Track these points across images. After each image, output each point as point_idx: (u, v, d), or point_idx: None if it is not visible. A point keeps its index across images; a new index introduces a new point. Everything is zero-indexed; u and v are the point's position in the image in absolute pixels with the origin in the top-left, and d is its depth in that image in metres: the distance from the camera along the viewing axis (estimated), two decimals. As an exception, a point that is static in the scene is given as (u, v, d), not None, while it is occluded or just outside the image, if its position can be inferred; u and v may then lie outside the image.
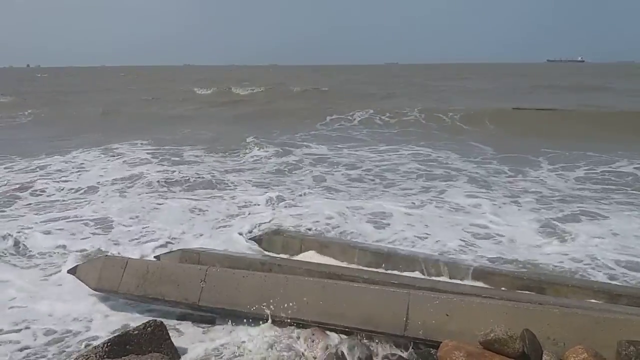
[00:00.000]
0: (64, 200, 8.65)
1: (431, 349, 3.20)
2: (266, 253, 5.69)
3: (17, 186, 9.61)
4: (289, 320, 3.80)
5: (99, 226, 7.05)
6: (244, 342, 3.94)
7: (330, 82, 37.93)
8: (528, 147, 13.17)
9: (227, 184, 9.66)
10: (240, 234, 6.40)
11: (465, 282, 4.37)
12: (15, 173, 11.04)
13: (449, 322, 3.32)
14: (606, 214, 7.23)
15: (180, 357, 3.63)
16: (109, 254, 5.54)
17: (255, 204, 7.96)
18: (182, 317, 4.34)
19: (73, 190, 9.33)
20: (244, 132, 16.35)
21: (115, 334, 3.63)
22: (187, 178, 10.01)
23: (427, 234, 6.43)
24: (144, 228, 6.86)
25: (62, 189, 9.37)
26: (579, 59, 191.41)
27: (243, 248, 5.96)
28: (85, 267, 4.67)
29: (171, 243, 6.23)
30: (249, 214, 7.45)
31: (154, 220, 7.17)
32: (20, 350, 3.95)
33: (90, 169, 11.29)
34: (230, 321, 4.17)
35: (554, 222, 6.88)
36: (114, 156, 12.78)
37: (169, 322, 4.05)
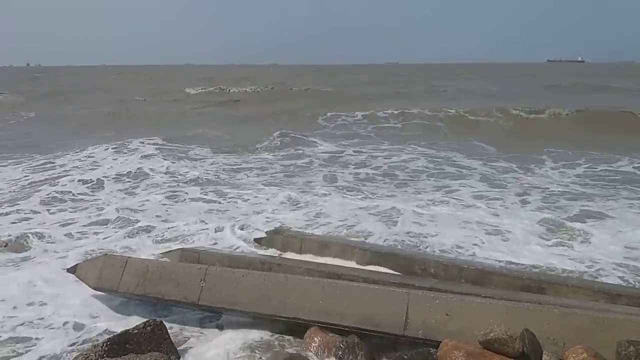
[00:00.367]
0: (83, 198, 8.70)
1: (431, 349, 3.20)
2: (266, 252, 5.69)
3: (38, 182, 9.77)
4: (288, 320, 3.80)
5: (119, 224, 7.13)
6: (244, 342, 3.95)
7: (332, 82, 37.86)
8: (531, 147, 13.28)
9: (239, 183, 9.74)
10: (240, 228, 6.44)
11: (465, 281, 4.37)
12: (33, 170, 11.19)
13: (448, 322, 3.32)
14: (613, 214, 7.29)
15: (179, 357, 3.63)
16: (108, 252, 5.54)
17: (270, 203, 8.07)
18: (182, 316, 4.34)
19: (90, 187, 9.41)
20: (252, 132, 16.49)
21: (115, 333, 3.63)
22: (201, 177, 10.09)
23: (437, 232, 6.47)
24: (169, 228, 6.91)
25: (82, 186, 9.45)
26: (579, 59, 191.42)
27: (243, 247, 5.98)
28: (85, 266, 4.66)
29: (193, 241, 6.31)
30: (264, 212, 7.54)
31: (176, 220, 7.24)
32: (19, 349, 3.95)
33: (103, 166, 11.34)
34: (230, 320, 4.18)
35: (562, 220, 6.93)
36: (127, 154, 12.88)
37: (168, 322, 4.05)
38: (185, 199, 8.52)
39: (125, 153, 12.96)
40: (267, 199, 8.31)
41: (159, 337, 3.54)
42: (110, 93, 35.64)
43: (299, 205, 7.89)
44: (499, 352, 2.93)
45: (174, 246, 5.83)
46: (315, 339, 3.51)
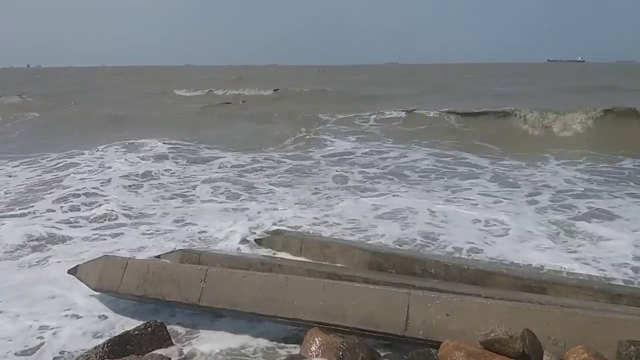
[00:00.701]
0: (95, 200, 8.72)
1: (431, 349, 3.20)
2: (266, 253, 5.69)
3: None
4: (289, 321, 3.80)
5: (139, 225, 7.16)
6: (244, 343, 3.96)
7: (335, 83, 37.74)
8: (534, 146, 13.30)
9: (251, 183, 9.78)
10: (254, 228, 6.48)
11: (466, 282, 4.36)
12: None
13: (449, 322, 3.32)
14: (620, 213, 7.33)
15: (180, 358, 3.63)
16: (109, 254, 5.55)
17: (285, 202, 8.14)
18: (182, 317, 4.34)
19: (101, 187, 9.45)
20: (261, 132, 16.52)
21: (115, 334, 3.64)
22: (214, 178, 10.16)
23: (447, 232, 6.52)
24: (188, 229, 6.94)
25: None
26: (579, 58, 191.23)
27: (244, 248, 5.99)
28: (85, 267, 4.67)
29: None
30: (277, 212, 7.59)
31: (200, 220, 7.28)
32: (20, 349, 3.95)
33: (114, 167, 11.34)
34: (230, 321, 4.18)
35: (570, 220, 6.99)
36: (137, 154, 12.96)
37: (169, 322, 4.06)
38: (198, 200, 8.58)
39: (136, 153, 13.06)
40: (283, 199, 8.38)
41: (159, 338, 3.54)
42: (113, 94, 35.62)
43: (312, 205, 7.95)
44: (499, 353, 2.93)
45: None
46: (316, 339, 3.51)
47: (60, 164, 12.00)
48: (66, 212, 7.87)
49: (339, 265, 4.95)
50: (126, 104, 27.62)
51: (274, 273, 4.25)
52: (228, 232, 6.56)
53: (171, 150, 13.52)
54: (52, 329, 4.21)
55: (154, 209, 8.01)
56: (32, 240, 6.51)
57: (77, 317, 4.40)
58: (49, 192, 9.16)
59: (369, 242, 6.14)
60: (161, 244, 6.23)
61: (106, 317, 4.40)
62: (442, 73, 58.64)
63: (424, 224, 6.89)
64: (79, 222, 7.39)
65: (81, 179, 10.09)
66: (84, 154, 13.14)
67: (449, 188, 9.22)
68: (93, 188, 9.29)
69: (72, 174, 10.63)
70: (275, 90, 29.69)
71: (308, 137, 15.83)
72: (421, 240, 6.28)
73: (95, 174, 10.58)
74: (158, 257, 5.31)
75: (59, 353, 3.87)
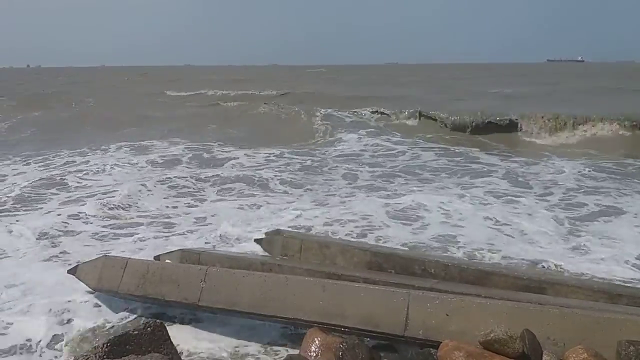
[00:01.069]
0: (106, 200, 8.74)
1: (431, 349, 3.20)
2: (266, 253, 5.69)
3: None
4: (289, 321, 3.80)
5: (160, 226, 7.20)
6: (244, 343, 3.95)
7: (338, 84, 37.58)
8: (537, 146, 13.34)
9: (262, 182, 9.86)
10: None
11: (465, 282, 4.36)
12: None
13: (449, 322, 3.32)
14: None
15: (180, 358, 3.63)
16: (108, 254, 5.55)
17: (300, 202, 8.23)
18: (182, 317, 4.34)
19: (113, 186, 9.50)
20: (269, 132, 16.54)
21: (115, 334, 3.63)
22: (227, 177, 10.24)
23: (461, 233, 6.57)
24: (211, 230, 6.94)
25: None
26: (579, 58, 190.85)
27: (243, 249, 5.99)
28: (85, 267, 4.67)
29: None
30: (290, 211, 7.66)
31: (224, 221, 7.29)
32: (20, 348, 3.95)
33: (125, 168, 11.41)
34: (230, 321, 4.18)
35: (579, 220, 7.07)
36: (148, 154, 13.04)
37: (169, 323, 4.06)
38: (213, 200, 8.63)
39: (146, 154, 13.12)
40: (295, 199, 8.46)
41: (159, 338, 3.53)
42: (115, 93, 35.57)
43: (326, 204, 8.04)
44: (499, 353, 2.93)
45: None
46: (316, 339, 3.50)
47: (71, 162, 12.08)
48: (77, 212, 7.87)
49: (339, 265, 4.94)
50: (132, 104, 27.58)
51: (274, 273, 4.25)
52: (241, 232, 6.65)
53: (185, 150, 13.63)
54: (51, 330, 4.21)
55: (169, 208, 8.10)
56: (45, 238, 6.57)
57: (76, 317, 4.40)
58: (60, 191, 9.25)
59: (369, 242, 6.16)
60: (179, 244, 6.26)
61: (105, 317, 4.40)
62: (443, 73, 58.40)
63: (438, 223, 6.99)
64: (90, 221, 7.41)
65: (86, 178, 10.13)
66: (95, 153, 13.26)
67: (460, 185, 9.35)
68: (104, 188, 9.35)
69: (76, 173, 10.70)
70: (283, 94, 29.33)
71: (322, 139, 15.91)
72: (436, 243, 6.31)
73: (105, 174, 10.65)
74: (158, 257, 5.31)
75: (58, 353, 3.87)
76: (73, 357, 3.60)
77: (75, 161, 12.39)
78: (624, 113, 14.88)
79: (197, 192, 9.21)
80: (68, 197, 8.80)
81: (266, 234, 6.09)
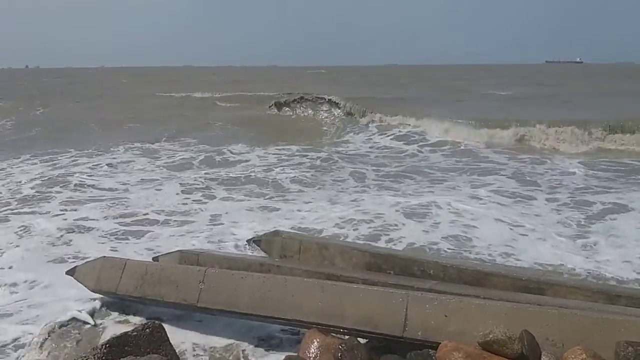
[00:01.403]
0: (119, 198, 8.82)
1: (430, 350, 3.19)
2: (265, 254, 5.68)
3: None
4: (288, 322, 3.80)
5: (173, 225, 7.24)
6: (243, 344, 3.95)
7: (339, 85, 37.45)
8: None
9: (275, 182, 9.99)
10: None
11: (464, 283, 4.36)
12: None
13: (447, 323, 3.32)
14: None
15: (179, 359, 3.62)
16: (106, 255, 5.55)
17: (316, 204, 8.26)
18: (181, 319, 4.34)
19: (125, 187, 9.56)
20: (277, 132, 16.64)
21: (113, 336, 3.62)
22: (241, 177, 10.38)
23: (475, 235, 6.61)
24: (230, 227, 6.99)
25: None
26: (578, 59, 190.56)
27: (242, 250, 5.99)
28: (83, 269, 4.66)
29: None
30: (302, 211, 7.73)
31: (229, 218, 7.37)
32: (16, 350, 3.95)
33: (135, 170, 11.44)
34: (229, 322, 4.18)
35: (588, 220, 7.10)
36: (158, 157, 13.12)
37: (167, 324, 4.05)
38: (230, 200, 8.66)
39: (155, 155, 13.17)
40: (311, 200, 8.49)
41: (158, 339, 3.53)
42: (117, 94, 35.53)
43: (342, 204, 8.11)
44: (498, 354, 2.93)
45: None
46: (314, 340, 3.50)
47: (76, 163, 12.10)
48: (88, 211, 7.94)
49: (338, 266, 4.94)
50: (135, 105, 27.51)
51: (273, 274, 4.24)
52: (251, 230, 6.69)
53: (195, 152, 13.66)
54: (49, 329, 4.20)
55: (182, 207, 8.15)
56: (62, 236, 6.64)
57: (75, 318, 4.40)
58: (70, 189, 9.30)
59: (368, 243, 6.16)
60: (194, 243, 6.32)
61: (104, 319, 4.40)
62: (444, 74, 58.42)
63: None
64: (100, 221, 7.45)
65: (92, 177, 10.17)
66: (101, 154, 13.27)
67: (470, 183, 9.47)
68: (114, 188, 9.37)
69: (83, 173, 10.73)
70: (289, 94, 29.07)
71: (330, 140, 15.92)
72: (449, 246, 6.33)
73: (113, 174, 10.67)
74: (156, 258, 5.31)
75: (57, 355, 3.87)
76: (72, 359, 3.59)
77: (82, 162, 12.42)
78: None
79: (207, 189, 9.32)
80: (70, 198, 8.82)
81: (265, 234, 6.09)
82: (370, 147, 15.04)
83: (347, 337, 3.52)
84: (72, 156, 13.19)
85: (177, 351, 3.66)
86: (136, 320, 4.29)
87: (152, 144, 15.37)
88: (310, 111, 20.27)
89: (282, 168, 11.43)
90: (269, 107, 21.67)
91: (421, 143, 15.06)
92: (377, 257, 4.92)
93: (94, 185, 9.74)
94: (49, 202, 8.50)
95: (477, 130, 15.38)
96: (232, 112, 22.14)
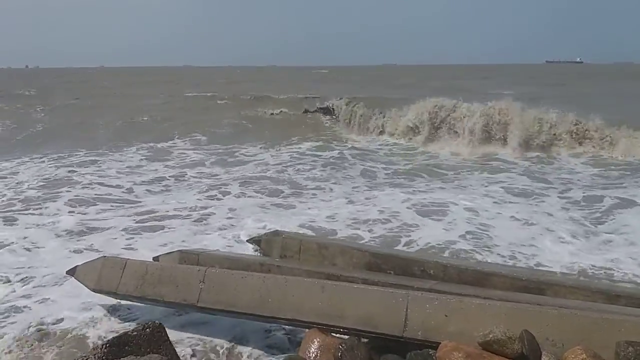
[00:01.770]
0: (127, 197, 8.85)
1: (430, 350, 3.20)
2: (265, 254, 5.68)
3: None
4: (288, 322, 3.80)
5: (188, 222, 7.29)
6: (243, 344, 3.95)
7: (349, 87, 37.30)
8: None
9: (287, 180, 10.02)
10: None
11: (464, 283, 4.36)
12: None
13: (448, 323, 3.32)
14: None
15: (179, 359, 3.62)
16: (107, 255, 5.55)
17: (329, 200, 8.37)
18: (181, 318, 4.34)
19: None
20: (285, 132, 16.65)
21: (114, 335, 3.63)
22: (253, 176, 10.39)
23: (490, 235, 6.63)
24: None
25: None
26: (578, 59, 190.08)
27: (242, 250, 5.99)
28: (84, 268, 4.66)
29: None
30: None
31: (240, 217, 7.40)
32: (17, 349, 3.94)
33: (145, 172, 11.42)
34: (229, 322, 4.18)
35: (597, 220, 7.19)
36: (169, 157, 13.11)
37: (167, 323, 4.05)
38: (242, 197, 8.71)
39: (163, 155, 13.21)
40: (329, 199, 8.56)
41: (158, 339, 3.53)
42: (118, 94, 35.45)
43: (357, 202, 8.19)
44: (498, 353, 2.93)
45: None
46: (315, 340, 3.51)
47: (88, 162, 12.13)
48: (97, 210, 7.97)
49: (338, 266, 4.94)
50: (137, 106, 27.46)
51: (273, 274, 4.24)
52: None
53: (204, 151, 13.70)
54: (49, 329, 4.20)
55: (197, 204, 8.19)
56: (73, 233, 6.69)
57: (75, 318, 4.40)
58: (79, 188, 9.34)
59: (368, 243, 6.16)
60: (206, 243, 6.34)
61: (104, 318, 4.40)
62: (444, 74, 58.25)
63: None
64: (113, 219, 7.48)
65: (102, 179, 10.19)
66: (115, 153, 13.37)
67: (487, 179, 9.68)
68: (127, 189, 9.41)
69: (91, 172, 10.76)
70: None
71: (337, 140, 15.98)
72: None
73: (126, 176, 10.69)
74: (157, 257, 5.30)
75: (56, 355, 3.87)
76: (72, 358, 3.59)
77: (91, 161, 12.43)
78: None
79: (222, 187, 9.37)
80: (77, 196, 8.83)
81: (265, 234, 6.09)
82: (379, 145, 15.15)
83: (347, 337, 3.52)
84: (81, 156, 13.19)
85: (177, 351, 3.66)
86: (136, 320, 4.29)
87: (165, 142, 15.38)
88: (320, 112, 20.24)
89: (294, 166, 11.48)
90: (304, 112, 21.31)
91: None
92: (377, 257, 4.92)
93: (102, 183, 9.74)
94: (55, 201, 8.50)
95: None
96: (239, 111, 22.13)
